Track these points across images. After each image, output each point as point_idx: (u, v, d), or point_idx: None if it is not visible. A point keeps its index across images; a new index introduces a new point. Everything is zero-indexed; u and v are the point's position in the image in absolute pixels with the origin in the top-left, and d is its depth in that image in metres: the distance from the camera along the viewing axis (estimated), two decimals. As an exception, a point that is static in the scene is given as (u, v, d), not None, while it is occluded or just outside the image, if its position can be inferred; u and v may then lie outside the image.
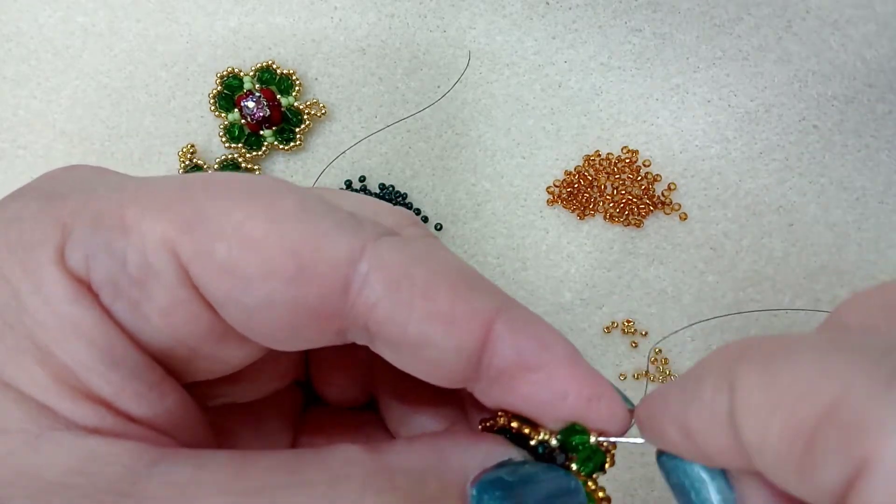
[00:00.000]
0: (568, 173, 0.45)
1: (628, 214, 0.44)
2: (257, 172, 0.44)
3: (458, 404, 0.23)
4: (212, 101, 0.44)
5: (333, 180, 0.45)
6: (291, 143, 0.44)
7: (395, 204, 0.44)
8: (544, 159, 0.45)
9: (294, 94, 0.44)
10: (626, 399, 0.20)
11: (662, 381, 0.43)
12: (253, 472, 0.17)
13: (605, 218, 0.45)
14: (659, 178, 0.45)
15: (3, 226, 0.18)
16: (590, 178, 0.45)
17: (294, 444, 0.24)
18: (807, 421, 0.14)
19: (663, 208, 0.45)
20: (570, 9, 0.45)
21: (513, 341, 0.19)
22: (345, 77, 0.45)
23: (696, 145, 0.45)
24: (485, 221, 0.45)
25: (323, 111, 0.45)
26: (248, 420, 0.24)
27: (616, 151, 0.45)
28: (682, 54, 0.45)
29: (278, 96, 0.44)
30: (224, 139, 0.44)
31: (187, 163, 0.44)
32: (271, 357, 0.21)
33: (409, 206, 0.45)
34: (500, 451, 0.20)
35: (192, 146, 0.44)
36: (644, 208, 0.44)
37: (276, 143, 0.44)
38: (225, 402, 0.23)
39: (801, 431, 0.14)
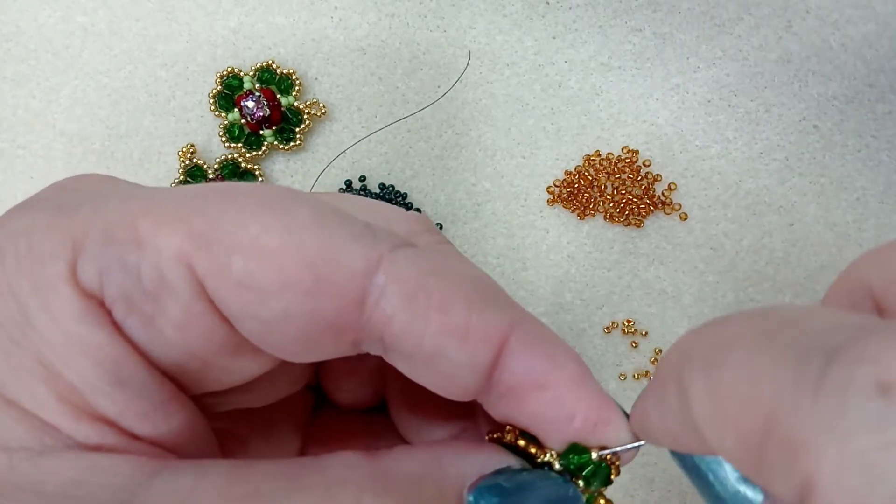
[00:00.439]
0: (568, 173, 0.45)
1: (628, 214, 0.44)
2: (257, 172, 0.44)
3: (469, 415, 0.23)
4: (211, 100, 0.44)
5: (333, 180, 0.45)
6: (291, 143, 0.44)
7: (394, 204, 0.44)
8: (544, 159, 0.45)
9: (294, 93, 0.44)
10: (626, 414, 0.20)
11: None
12: (253, 479, 0.17)
13: (605, 218, 0.45)
14: (659, 178, 0.45)
15: (11, 238, 0.18)
16: (590, 178, 0.45)
17: (303, 448, 0.24)
18: (752, 435, 0.14)
19: (663, 208, 0.45)
20: (570, 8, 0.45)
21: (523, 358, 0.18)
22: (345, 77, 0.45)
23: (697, 145, 0.45)
24: (485, 221, 0.45)
25: (323, 111, 0.45)
26: (257, 425, 0.23)
27: (616, 151, 0.45)
28: (682, 54, 0.45)
29: (278, 96, 0.44)
30: (224, 139, 0.44)
31: (187, 162, 0.44)
32: (283, 365, 0.21)
33: (409, 206, 0.45)
34: (499, 459, 0.19)
35: (192, 146, 0.44)
36: (644, 208, 0.44)
37: (275, 142, 0.44)
38: (235, 407, 0.23)
39: (751, 445, 0.14)
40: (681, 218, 0.45)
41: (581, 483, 0.19)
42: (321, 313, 0.17)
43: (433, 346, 0.18)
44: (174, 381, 0.19)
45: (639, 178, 0.45)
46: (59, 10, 0.45)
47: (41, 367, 0.17)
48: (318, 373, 0.25)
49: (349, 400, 0.25)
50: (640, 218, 0.44)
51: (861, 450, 0.12)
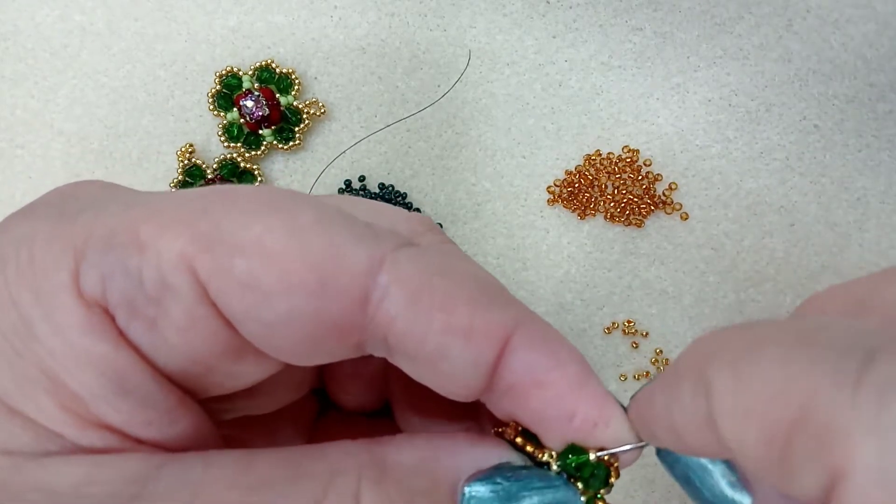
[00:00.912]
0: (568, 173, 0.45)
1: (629, 214, 0.44)
2: (256, 172, 0.44)
3: (473, 415, 0.23)
4: (210, 100, 0.44)
5: (333, 180, 0.45)
6: (291, 143, 0.44)
7: (394, 204, 0.44)
8: (545, 159, 0.45)
9: (293, 93, 0.44)
10: (624, 409, 0.20)
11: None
12: (258, 468, 0.17)
13: (605, 218, 0.45)
14: (660, 178, 0.45)
15: (12, 246, 0.18)
16: (590, 178, 0.45)
17: None
18: (780, 427, 0.14)
19: (664, 208, 0.44)
20: (570, 8, 0.45)
21: (525, 356, 0.18)
22: (344, 76, 0.45)
23: (697, 145, 0.45)
24: (485, 221, 0.44)
25: (322, 110, 0.44)
26: (262, 431, 0.24)
27: (617, 151, 0.45)
28: (682, 53, 0.45)
29: (277, 95, 0.44)
30: (223, 138, 0.44)
31: (186, 162, 0.44)
32: (288, 370, 0.21)
33: (408, 206, 0.44)
34: (499, 454, 0.19)
35: (191, 145, 0.44)
36: (645, 208, 0.44)
37: (275, 142, 0.44)
38: (241, 415, 0.22)
39: (776, 438, 0.14)
40: (681, 218, 0.44)
41: (580, 485, 0.19)
42: (325, 314, 0.17)
43: (436, 346, 0.18)
44: (178, 386, 0.19)
45: (639, 177, 0.45)
46: (57, 9, 0.45)
47: (45, 377, 0.17)
48: (323, 377, 0.25)
49: (353, 403, 0.25)
50: (640, 218, 0.44)
51: None
